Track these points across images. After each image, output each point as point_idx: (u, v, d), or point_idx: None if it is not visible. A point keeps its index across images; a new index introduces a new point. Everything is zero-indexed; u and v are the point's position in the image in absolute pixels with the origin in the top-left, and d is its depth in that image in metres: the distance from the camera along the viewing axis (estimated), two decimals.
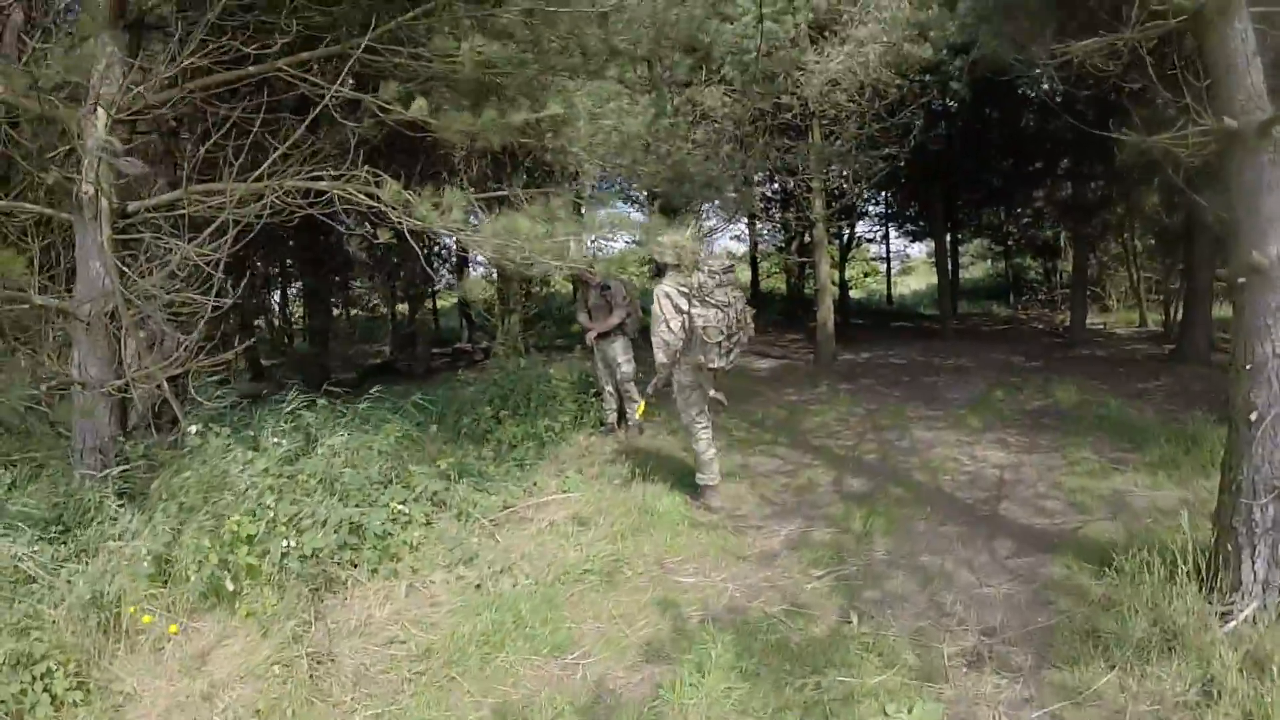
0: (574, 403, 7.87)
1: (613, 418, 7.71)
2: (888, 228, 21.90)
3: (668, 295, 4.92)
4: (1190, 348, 10.51)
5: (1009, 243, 20.88)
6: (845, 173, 11.19)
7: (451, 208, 4.59)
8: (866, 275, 23.01)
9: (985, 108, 13.40)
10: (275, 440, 4.95)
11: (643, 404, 5.96)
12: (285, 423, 5.50)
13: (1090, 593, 3.81)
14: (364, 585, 4.27)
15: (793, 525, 5.17)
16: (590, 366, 8.00)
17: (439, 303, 20.03)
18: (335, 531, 4.33)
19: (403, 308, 16.30)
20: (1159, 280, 15.32)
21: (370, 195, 4.65)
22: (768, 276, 21.30)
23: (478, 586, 4.37)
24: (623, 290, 7.65)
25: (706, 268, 4.87)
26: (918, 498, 5.46)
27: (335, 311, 15.28)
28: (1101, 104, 8.20)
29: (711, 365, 4.97)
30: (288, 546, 4.10)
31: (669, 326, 4.93)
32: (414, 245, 5.37)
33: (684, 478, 5.98)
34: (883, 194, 19.43)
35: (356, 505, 4.63)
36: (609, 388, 7.64)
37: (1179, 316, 12.61)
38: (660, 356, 5.03)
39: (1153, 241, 15.29)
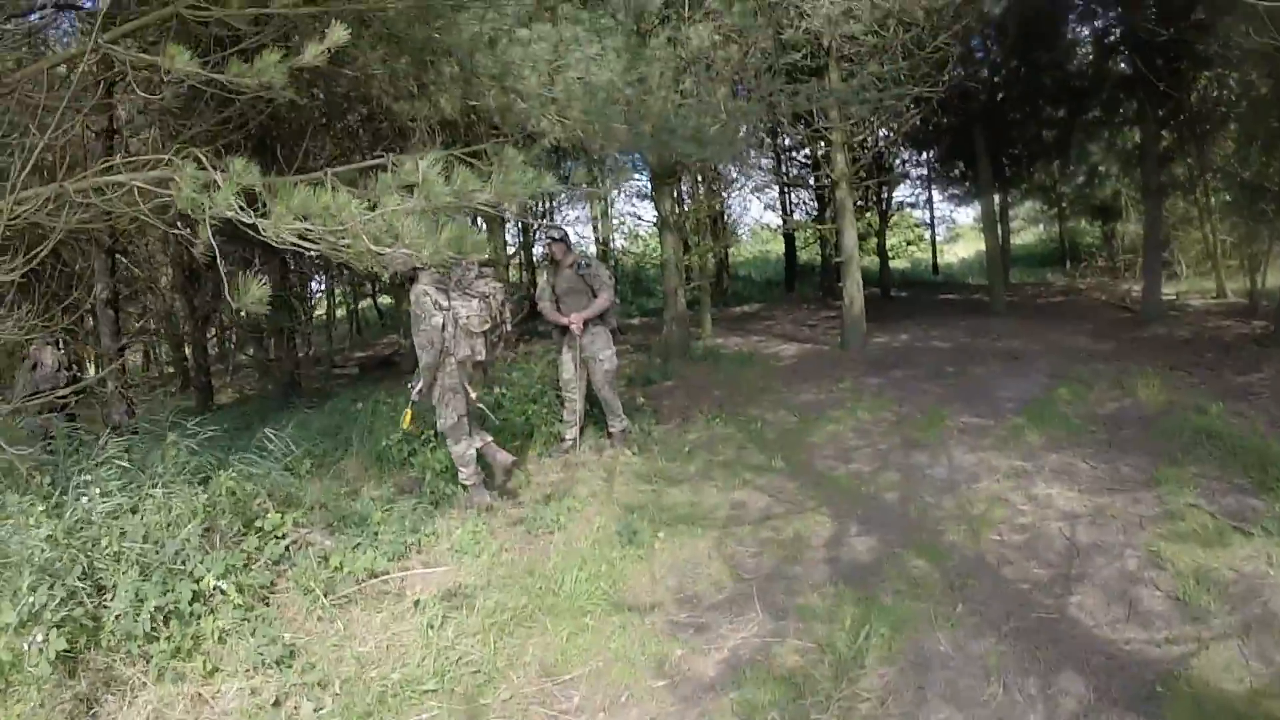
0: (519, 415, 6.25)
1: (573, 432, 6.09)
2: (931, 191, 19.62)
3: (426, 293, 4.63)
4: None
5: (1062, 204, 18.36)
6: (871, 120, 9.26)
7: (219, 186, 3.00)
8: (910, 244, 20.67)
9: (1032, 48, 11.72)
10: (85, 494, 4.09)
11: (409, 412, 5.14)
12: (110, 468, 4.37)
13: None
14: (149, 690, 3.23)
15: (751, 626, 3.47)
16: (557, 364, 6.36)
17: None
18: (120, 618, 3.40)
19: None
20: (1236, 243, 12.90)
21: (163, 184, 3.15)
22: (803, 248, 19.26)
23: (275, 704, 3.23)
24: (605, 271, 6.20)
25: (465, 262, 4.62)
26: (944, 579, 3.68)
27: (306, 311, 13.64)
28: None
29: (478, 358, 4.77)
30: (35, 642, 3.16)
31: (432, 324, 4.63)
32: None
33: (623, 530, 4.38)
34: (924, 154, 17.25)
35: (164, 578, 3.66)
36: (573, 394, 6.02)
37: (1264, 285, 10.41)
38: (425, 358, 4.67)
39: (1228, 198, 12.85)
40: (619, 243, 19.91)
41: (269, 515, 4.51)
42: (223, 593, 3.72)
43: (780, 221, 18.92)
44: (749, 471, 5.50)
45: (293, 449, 5.24)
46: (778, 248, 21.82)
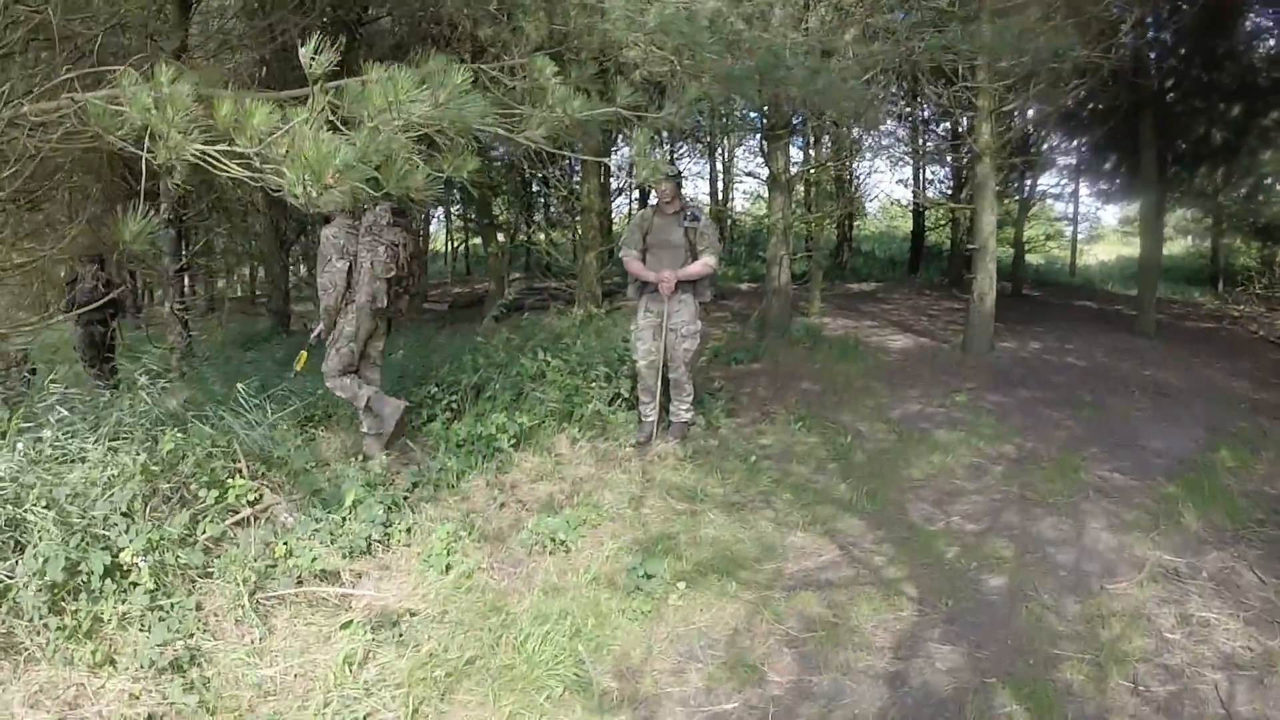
0: (559, 390, 5.26)
1: (652, 416, 5.11)
2: (1077, 183, 17.19)
3: (335, 237, 4.37)
4: None
5: (1221, 217, 15.59)
6: (1024, 87, 7.66)
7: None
8: (1048, 238, 18.28)
9: (1210, 33, 9.87)
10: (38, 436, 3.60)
11: (304, 355, 4.75)
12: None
13: None
14: (38, 667, 2.72)
15: None
16: (631, 330, 5.35)
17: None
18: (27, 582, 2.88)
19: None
20: None
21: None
22: (932, 228, 17.34)
23: None
24: (716, 231, 5.11)
25: (379, 208, 4.37)
26: None
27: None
28: None
29: (380, 305, 4.41)
30: None
31: (335, 268, 4.37)
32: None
33: (634, 570, 3.39)
34: (1074, 141, 14.98)
35: (83, 544, 3.11)
36: (650, 370, 5.03)
37: None
38: (325, 300, 4.40)
39: None
40: (739, 204, 18.52)
41: (234, 481, 3.79)
42: (133, 569, 3.10)
43: (910, 196, 17.07)
44: (822, 505, 4.35)
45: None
46: (905, 225, 19.89)
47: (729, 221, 17.07)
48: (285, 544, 3.58)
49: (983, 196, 8.05)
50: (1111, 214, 19.48)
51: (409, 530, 3.82)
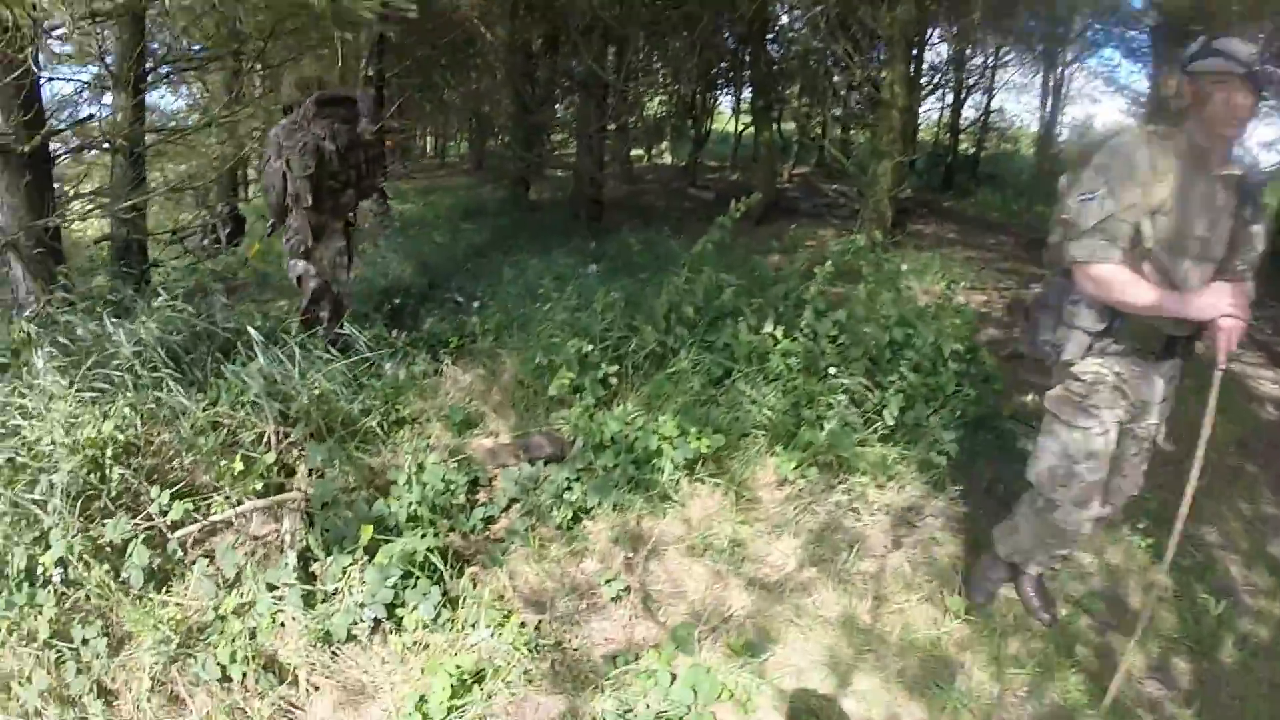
0: (783, 392, 3.22)
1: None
2: None
3: (274, 137, 3.57)
4: None
5: None
6: None
7: None
8: None
9: None
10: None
11: (256, 245, 4.39)
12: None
13: None
14: None
15: None
16: (1054, 437, 2.16)
17: None
18: None
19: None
20: None
21: None
22: None
23: None
24: None
25: (309, 99, 3.63)
26: None
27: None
28: None
29: (305, 205, 3.55)
30: None
31: (271, 167, 3.57)
32: None
33: None
34: None
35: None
36: (1088, 523, 2.18)
37: None
38: (269, 199, 3.63)
39: None
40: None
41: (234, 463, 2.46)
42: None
43: None
44: None
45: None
46: None
47: None
48: (240, 594, 2.16)
49: None
50: None
51: (439, 609, 2.21)
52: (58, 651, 2.19)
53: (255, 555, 2.38)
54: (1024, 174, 12.10)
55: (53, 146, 3.85)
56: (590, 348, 3.26)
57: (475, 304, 4.49)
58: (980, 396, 3.39)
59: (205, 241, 4.19)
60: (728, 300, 3.66)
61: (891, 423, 3.06)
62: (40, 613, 2.22)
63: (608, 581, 2.44)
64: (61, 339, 2.94)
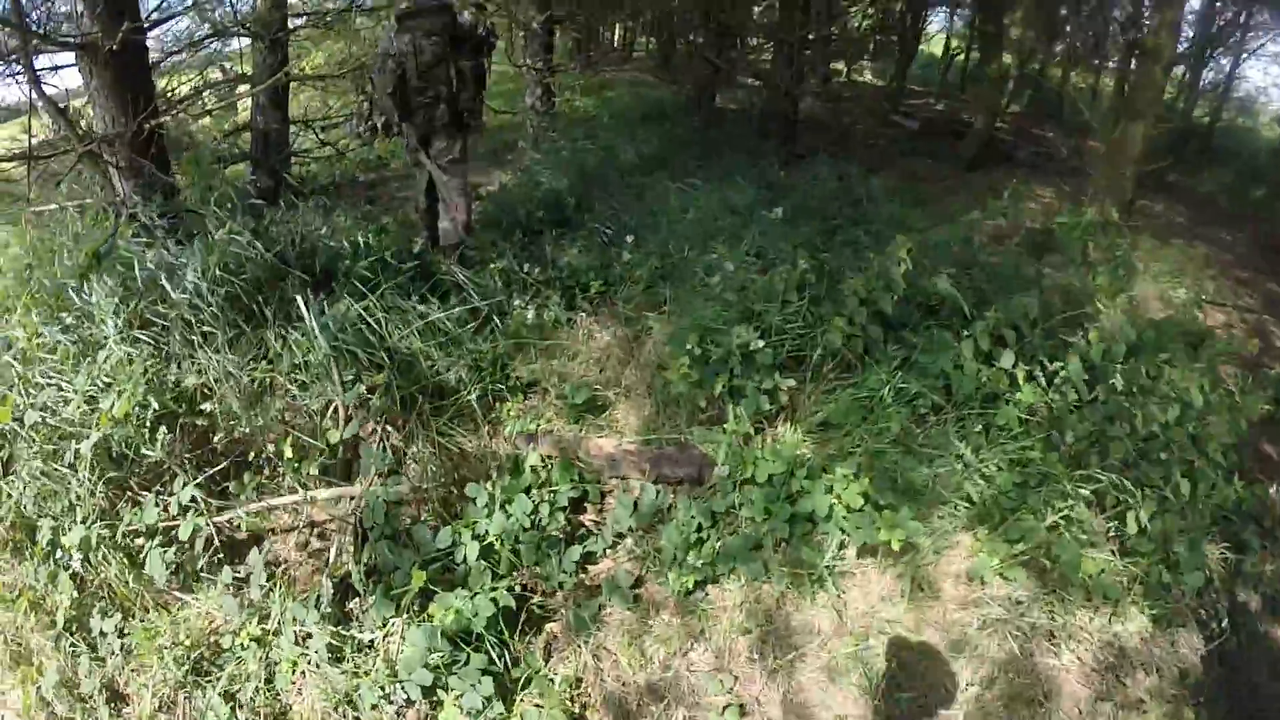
0: (991, 481, 2.29)
1: None
2: None
3: (381, 45, 3.41)
4: None
5: None
6: None
7: None
8: None
9: None
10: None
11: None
12: None
13: None
14: None
15: None
16: None
17: None
18: None
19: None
20: None
21: None
22: None
23: None
24: None
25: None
26: None
27: None
28: None
29: (392, 120, 3.40)
30: None
31: (389, 68, 3.35)
32: None
33: None
34: None
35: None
36: None
37: None
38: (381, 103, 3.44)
39: None
40: None
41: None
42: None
43: None
44: None
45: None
46: None
47: None
48: (264, 617, 1.68)
49: None
50: None
51: (488, 704, 1.63)
52: (73, 642, 1.84)
53: (287, 570, 1.88)
54: (1261, 156, 9.81)
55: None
56: (761, 344, 2.45)
57: (629, 238, 3.73)
58: (1243, 498, 2.33)
59: (361, 130, 3.72)
60: (944, 292, 2.69)
61: (1133, 530, 2.11)
62: (61, 594, 1.86)
63: (721, 695, 1.77)
64: (120, 267, 2.49)
